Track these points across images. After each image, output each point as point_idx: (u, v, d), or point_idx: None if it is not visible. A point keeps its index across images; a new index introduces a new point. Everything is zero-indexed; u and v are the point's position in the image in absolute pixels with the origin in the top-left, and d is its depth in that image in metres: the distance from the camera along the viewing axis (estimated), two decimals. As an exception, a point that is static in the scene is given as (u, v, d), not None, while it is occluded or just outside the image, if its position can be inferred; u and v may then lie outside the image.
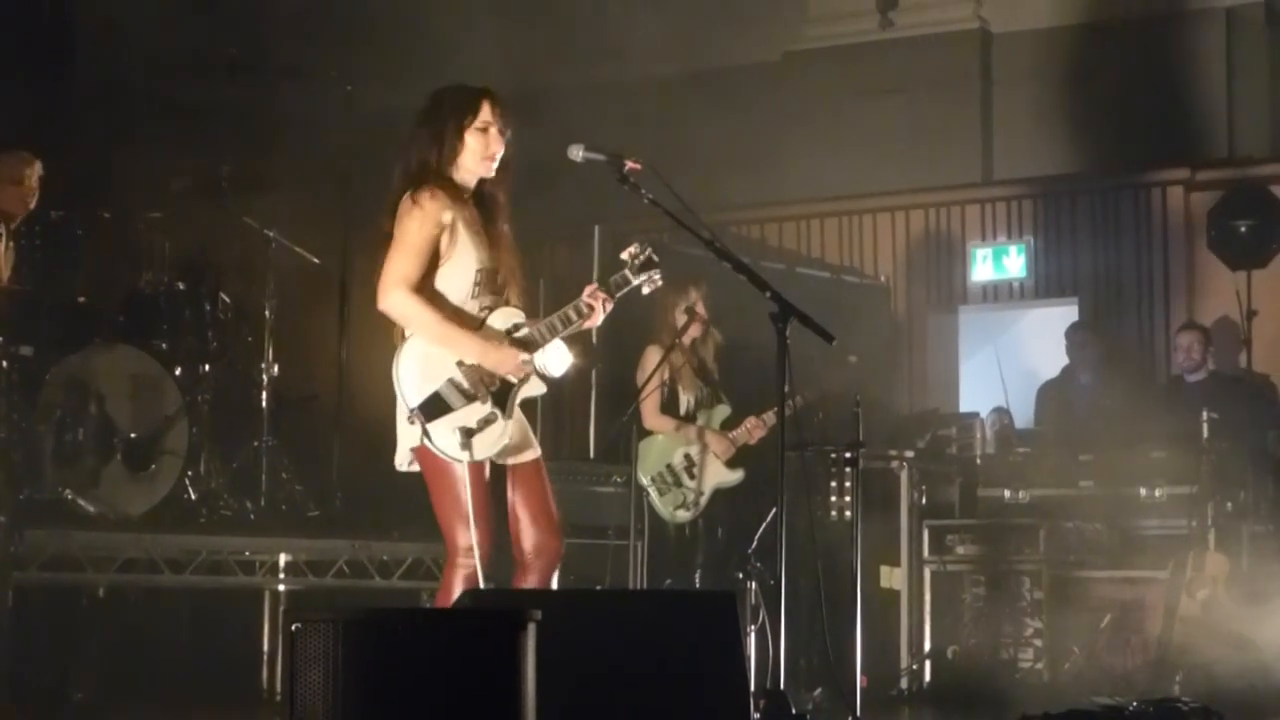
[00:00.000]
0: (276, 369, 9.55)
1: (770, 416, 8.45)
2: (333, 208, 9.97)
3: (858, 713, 6.77)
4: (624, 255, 5.88)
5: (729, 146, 12.65)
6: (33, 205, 8.70)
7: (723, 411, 8.75)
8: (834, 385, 8.55)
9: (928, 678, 9.41)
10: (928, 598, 9.56)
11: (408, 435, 5.63)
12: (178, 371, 9.01)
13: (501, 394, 5.64)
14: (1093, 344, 11.23)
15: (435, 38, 10.92)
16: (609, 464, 8.92)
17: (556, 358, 5.83)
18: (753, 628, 7.60)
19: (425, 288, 5.61)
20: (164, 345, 9.02)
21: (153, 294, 9.12)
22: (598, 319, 5.84)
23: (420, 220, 5.59)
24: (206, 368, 9.22)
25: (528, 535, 5.72)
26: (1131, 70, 12.68)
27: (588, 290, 5.82)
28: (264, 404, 9.51)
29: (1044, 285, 12.68)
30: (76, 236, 8.87)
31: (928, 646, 9.48)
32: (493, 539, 5.62)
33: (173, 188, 9.70)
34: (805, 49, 13.65)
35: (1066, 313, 12.17)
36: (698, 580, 8.53)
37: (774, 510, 6.21)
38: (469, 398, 5.59)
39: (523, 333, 5.72)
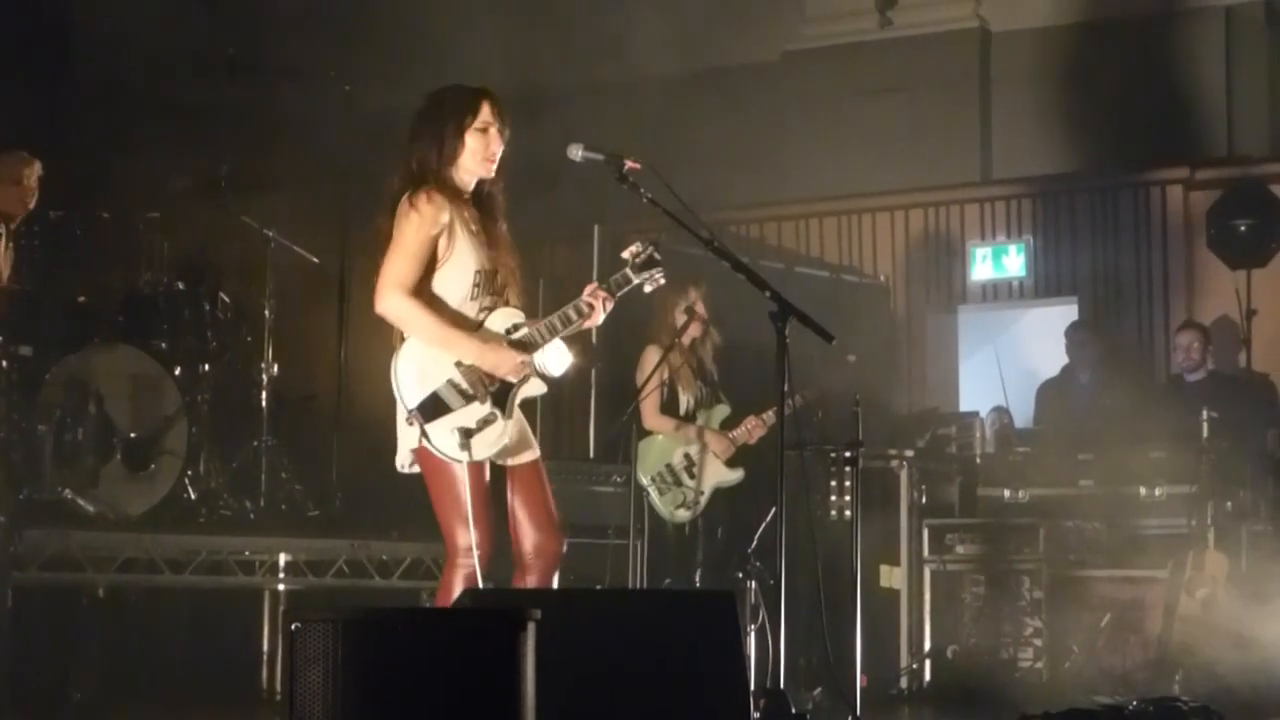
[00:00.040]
0: (276, 369, 9.56)
1: (770, 416, 8.45)
2: (332, 207, 9.98)
3: (857, 712, 6.77)
4: (625, 254, 5.88)
5: (728, 146, 12.65)
6: (32, 205, 8.70)
7: (722, 411, 8.75)
8: (833, 385, 8.55)
9: (927, 677, 9.41)
10: (927, 597, 9.56)
11: (408, 436, 5.63)
12: (177, 371, 9.02)
13: (501, 394, 5.65)
14: (1092, 343, 11.24)
15: (435, 38, 10.93)
16: (609, 463, 8.92)
17: (556, 357, 5.83)
18: (752, 627, 7.61)
19: (422, 290, 5.61)
20: (163, 345, 9.03)
21: (152, 294, 9.12)
22: (598, 318, 5.84)
23: (417, 223, 5.59)
24: (206, 367, 9.23)
25: (528, 536, 5.73)
26: (1131, 69, 12.68)
27: (588, 290, 5.82)
28: (263, 404, 9.51)
29: (1043, 284, 12.68)
30: (76, 236, 8.88)
31: (927, 646, 9.48)
32: (493, 539, 5.62)
33: (172, 188, 9.72)
34: (804, 48, 13.64)
35: (1066, 312, 12.17)
36: (697, 580, 8.53)
37: (773, 510, 6.22)
38: (468, 398, 5.59)
39: (522, 333, 5.72)
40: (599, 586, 7.89)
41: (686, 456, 8.59)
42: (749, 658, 7.22)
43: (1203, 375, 10.47)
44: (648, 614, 5.53)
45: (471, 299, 5.68)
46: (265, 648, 8.74)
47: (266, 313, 9.56)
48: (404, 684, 4.22)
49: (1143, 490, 9.50)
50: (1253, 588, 8.84)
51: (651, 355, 8.54)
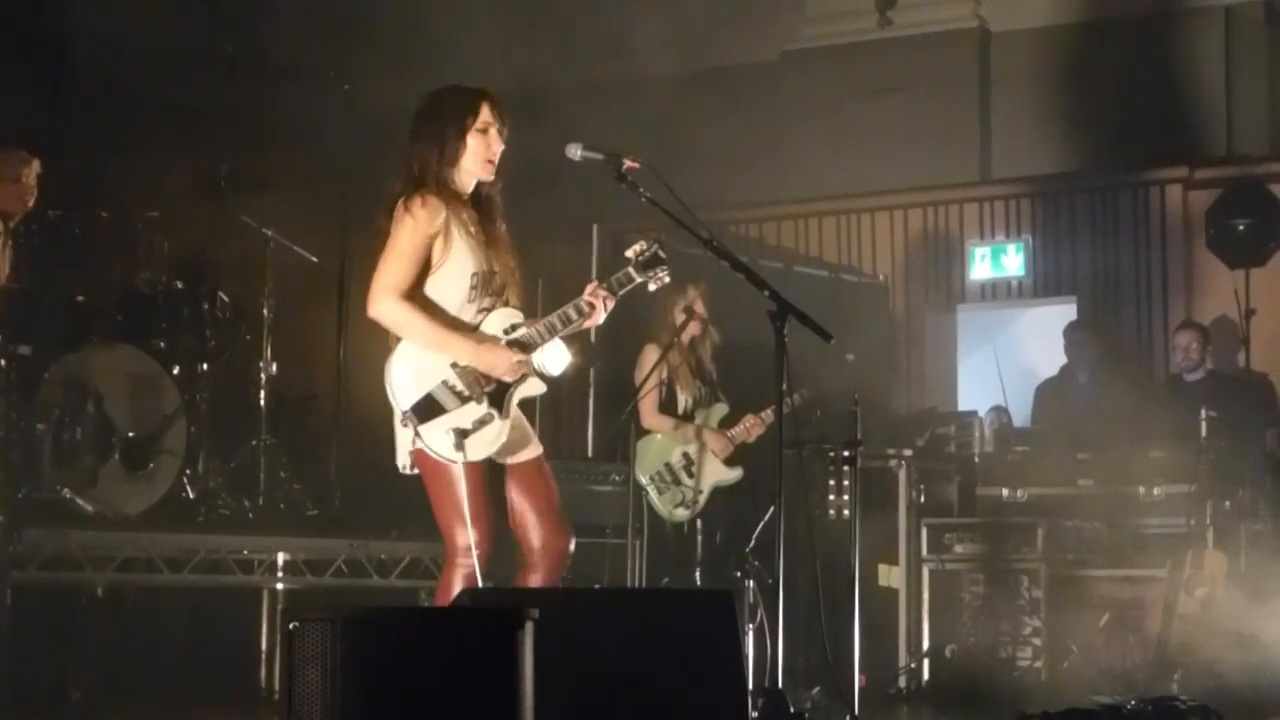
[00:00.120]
0: (275, 368, 9.55)
1: (768, 415, 8.45)
2: (331, 207, 9.97)
3: (856, 711, 6.77)
4: (628, 253, 5.87)
5: (727, 146, 12.66)
6: (31, 204, 8.69)
7: (721, 410, 8.75)
8: (832, 384, 8.55)
9: (926, 676, 9.41)
10: (926, 596, 9.57)
11: (405, 438, 5.64)
12: (176, 371, 9.01)
13: (498, 394, 5.65)
14: (1091, 343, 11.24)
15: (434, 37, 10.92)
16: (607, 463, 8.92)
17: (555, 357, 5.83)
18: (751, 626, 7.60)
19: (416, 294, 5.61)
20: (162, 344, 9.02)
21: (151, 293, 9.12)
22: (599, 318, 5.83)
23: (411, 227, 5.59)
24: (205, 367, 9.22)
25: (534, 533, 5.72)
26: (1130, 69, 12.68)
27: (589, 289, 5.81)
28: (262, 403, 9.51)
29: (1042, 284, 12.68)
30: (75, 235, 8.87)
31: (926, 645, 9.48)
32: (492, 539, 5.62)
33: (171, 187, 9.71)
34: (804, 48, 13.65)
35: (1065, 311, 12.18)
36: (696, 579, 8.53)
37: (772, 509, 6.22)
38: (463, 399, 5.59)
39: (519, 333, 5.72)
40: (597, 586, 7.89)
41: (685, 456, 8.59)
42: (747, 657, 7.22)
43: (1201, 375, 10.48)
44: (646, 613, 5.53)
45: (469, 301, 5.68)
46: (264, 647, 8.74)
47: (265, 312, 9.56)
48: (402, 683, 4.23)
49: (1142, 490, 9.50)
50: (1252, 587, 8.85)
51: (650, 354, 8.53)
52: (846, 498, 8.61)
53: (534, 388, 5.77)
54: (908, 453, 9.68)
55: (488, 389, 5.63)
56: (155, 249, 9.25)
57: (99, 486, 8.52)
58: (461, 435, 5.52)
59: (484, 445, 5.59)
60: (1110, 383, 10.91)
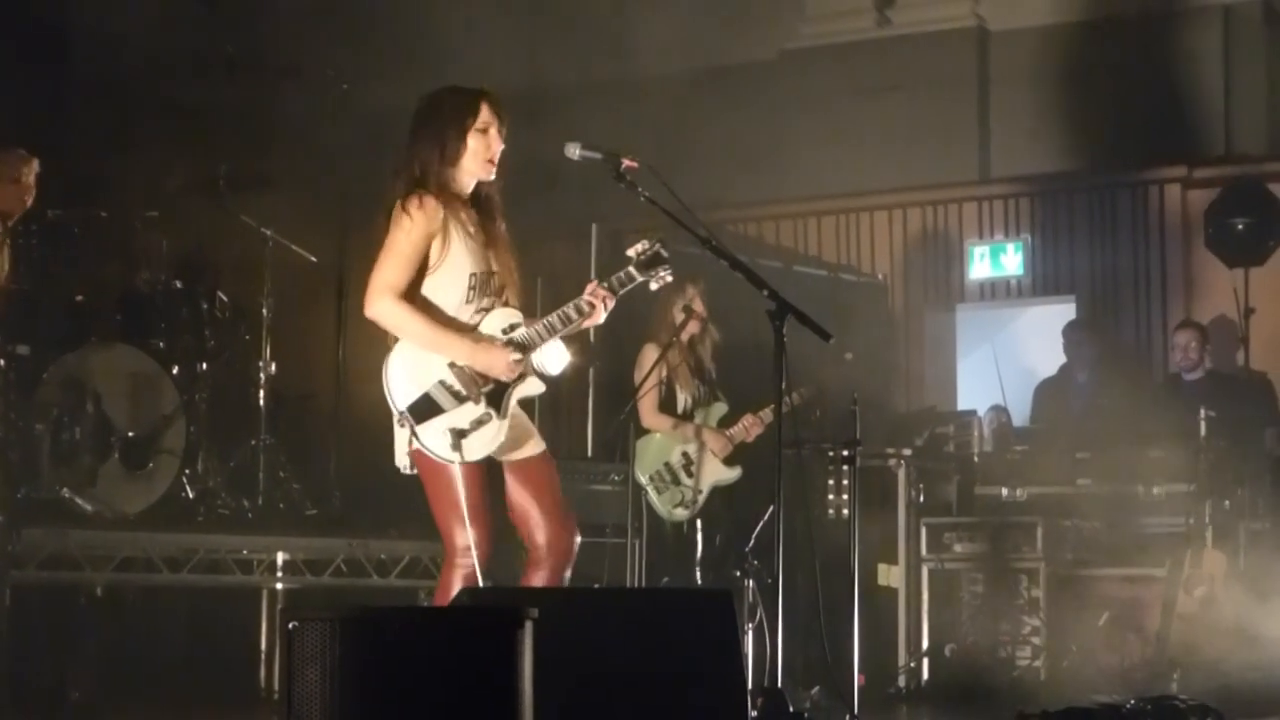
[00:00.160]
0: (274, 367, 9.55)
1: (767, 414, 8.44)
2: (330, 206, 9.97)
3: (855, 711, 6.78)
4: (630, 252, 5.87)
5: (726, 145, 12.65)
6: (30, 203, 8.69)
7: (720, 409, 8.75)
8: (831, 383, 8.55)
9: (925, 676, 9.41)
10: (925, 596, 9.57)
11: (404, 438, 5.64)
12: (175, 370, 9.01)
13: (496, 394, 5.64)
14: (1090, 342, 11.25)
15: (433, 37, 10.93)
16: (606, 462, 8.92)
17: (554, 356, 5.83)
18: (750, 626, 7.60)
19: (413, 294, 5.62)
20: (161, 344, 9.01)
21: (150, 293, 9.11)
22: (599, 317, 5.82)
23: (408, 228, 5.59)
24: (204, 366, 9.22)
25: (540, 530, 5.72)
26: (1129, 68, 12.68)
27: (589, 288, 5.81)
28: (261, 403, 9.51)
29: (1041, 283, 12.69)
30: (74, 235, 8.86)
31: (925, 644, 9.48)
32: (491, 538, 5.62)
33: (170, 187, 9.71)
34: (803, 47, 13.64)
35: (1064, 311, 12.18)
36: (696, 579, 8.53)
37: (771, 508, 6.21)
38: (460, 399, 5.59)
39: (518, 333, 5.72)
40: (597, 585, 7.89)
41: (685, 455, 8.59)
42: (747, 656, 7.22)
43: (1201, 374, 10.48)
44: (646, 613, 5.53)
45: (467, 301, 5.68)
46: (263, 646, 8.75)
47: (264, 311, 9.56)
48: (402, 683, 4.22)
49: (1141, 489, 9.50)
50: (1251, 585, 8.85)
51: (650, 353, 8.53)
52: (846, 497, 8.62)
53: (533, 387, 5.77)
54: (907, 452, 9.68)
55: (485, 389, 5.63)
56: (154, 249, 9.25)
57: (98, 486, 8.51)
58: (458, 435, 5.53)
59: (481, 445, 5.59)
60: (1109, 382, 10.92)
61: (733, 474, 8.66)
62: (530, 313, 5.82)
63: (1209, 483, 9.11)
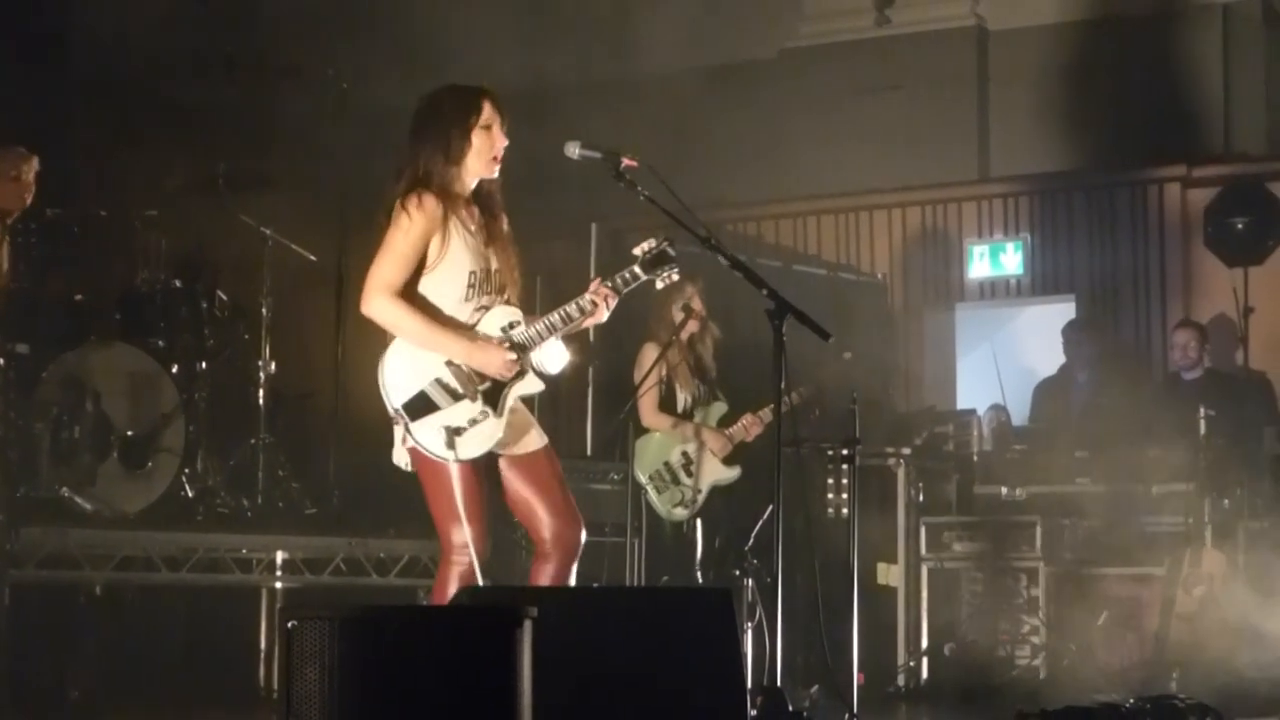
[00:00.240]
0: (273, 366, 9.55)
1: (767, 413, 8.44)
2: (329, 205, 9.96)
3: (854, 710, 6.77)
4: (636, 250, 5.86)
5: (726, 144, 12.66)
6: (30, 201, 8.69)
7: (719, 409, 8.74)
8: (830, 382, 8.55)
9: (925, 675, 9.42)
10: (925, 595, 9.58)
11: (402, 435, 5.64)
12: (174, 369, 9.00)
13: (493, 392, 5.64)
14: (1089, 341, 11.24)
15: (433, 37, 10.92)
16: (606, 461, 8.93)
17: (553, 355, 5.83)
18: (750, 625, 7.61)
19: (410, 292, 5.62)
20: (161, 343, 9.01)
21: (149, 292, 9.11)
22: (601, 316, 5.81)
23: (406, 226, 5.59)
24: (203, 365, 9.22)
25: (545, 524, 5.71)
26: (1128, 67, 12.68)
27: (592, 286, 5.80)
28: (261, 401, 9.51)
29: (1041, 282, 12.69)
30: (73, 234, 8.87)
31: (925, 643, 9.49)
32: (487, 536, 5.63)
33: (170, 186, 9.70)
34: (802, 46, 13.65)
35: (1063, 310, 12.18)
36: (695, 578, 8.53)
37: (771, 508, 6.21)
38: (456, 397, 5.59)
39: (516, 332, 5.71)
40: (596, 584, 7.89)
41: (684, 455, 8.58)
42: (746, 655, 7.21)
43: (1200, 373, 10.48)
44: (645, 612, 5.52)
45: (466, 299, 5.68)
46: (262, 645, 8.75)
47: (264, 310, 9.56)
48: (401, 682, 4.23)
49: (1140, 488, 9.51)
50: (1250, 585, 8.85)
51: (649, 353, 8.52)
52: (845, 496, 8.62)
53: (531, 386, 5.76)
54: (906, 451, 9.68)
55: (482, 387, 5.63)
56: (154, 248, 9.25)
57: (97, 485, 8.51)
58: (454, 433, 5.53)
59: (477, 444, 5.59)
60: (1109, 381, 10.91)
61: (732, 473, 8.66)
62: (529, 312, 5.82)
63: (1208, 482, 9.11)
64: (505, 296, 5.78)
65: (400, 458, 5.69)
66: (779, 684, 6.19)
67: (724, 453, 8.63)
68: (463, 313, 5.68)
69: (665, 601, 5.98)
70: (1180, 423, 9.31)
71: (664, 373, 8.55)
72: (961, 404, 11.94)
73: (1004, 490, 9.79)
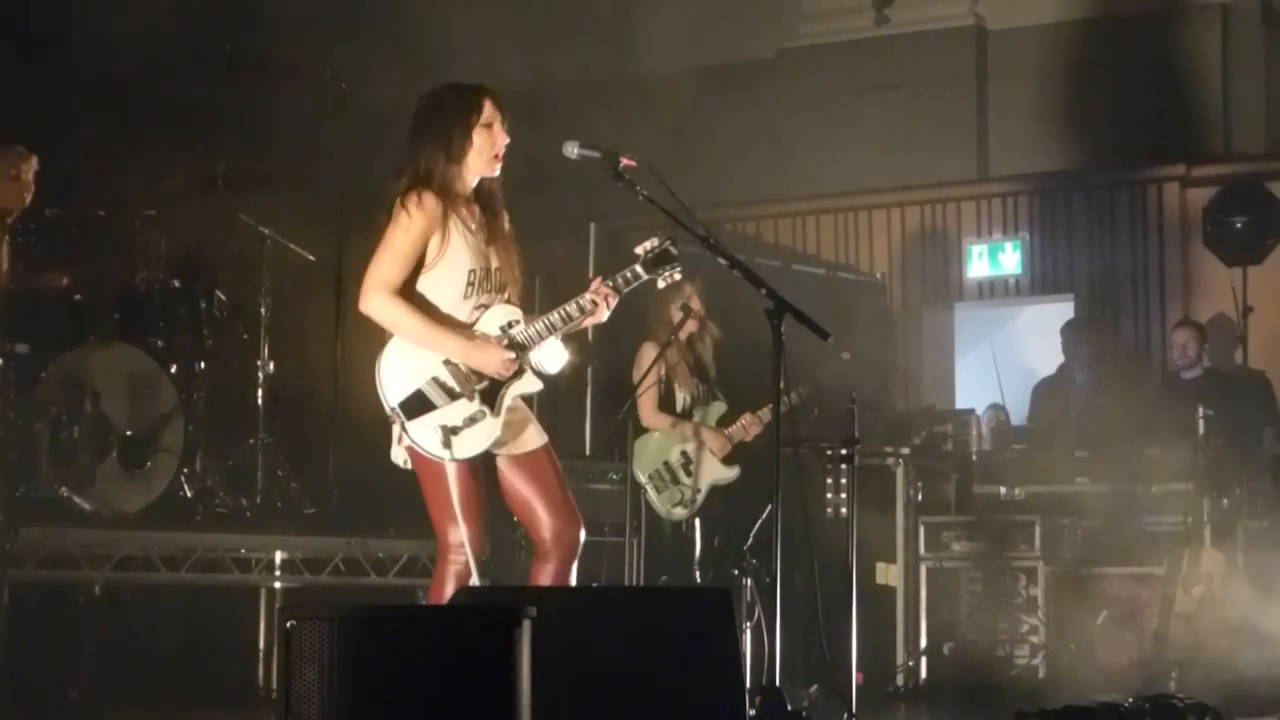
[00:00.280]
0: (272, 366, 9.55)
1: (766, 413, 8.44)
2: (328, 205, 9.97)
3: (853, 709, 6.77)
4: (638, 249, 5.85)
5: (725, 143, 12.66)
6: (29, 200, 8.69)
7: (719, 408, 8.74)
8: (828, 382, 8.55)
9: (924, 674, 9.42)
10: (924, 594, 9.58)
11: (398, 433, 5.64)
12: (173, 369, 9.00)
13: (491, 392, 5.64)
14: (1088, 341, 11.24)
15: (432, 36, 10.92)
16: (605, 461, 8.93)
17: (552, 355, 5.82)
18: (749, 624, 7.61)
19: (408, 291, 5.61)
20: (160, 343, 9.01)
21: (148, 291, 9.11)
22: (602, 315, 5.79)
23: (405, 225, 5.58)
24: (202, 365, 9.22)
25: (544, 524, 5.70)
26: (1127, 67, 12.68)
27: (594, 285, 5.78)
28: (260, 401, 9.51)
29: (1040, 282, 12.69)
30: (72, 234, 8.88)
31: (924, 643, 9.49)
32: (483, 535, 5.63)
33: (169, 186, 9.70)
34: (801, 46, 13.65)
35: (1062, 309, 12.18)
36: (694, 577, 8.53)
37: (770, 507, 6.21)
38: (453, 396, 5.58)
39: (515, 331, 5.71)
40: (595, 584, 7.89)
41: (684, 454, 8.58)
42: (745, 655, 7.22)
43: (1199, 373, 10.48)
44: (644, 611, 5.52)
45: (465, 298, 5.68)
46: (261, 645, 8.76)
47: (263, 310, 9.56)
48: (399, 681, 4.23)
49: (1139, 487, 9.51)
50: (1249, 584, 8.85)
51: (648, 352, 8.52)
52: (844, 496, 8.64)
53: (530, 385, 5.75)
54: (905, 451, 9.68)
55: (480, 386, 5.62)
56: (153, 247, 9.25)
57: (96, 485, 8.51)
58: (450, 432, 5.52)
59: (473, 443, 5.59)
60: (1108, 381, 10.91)
61: (731, 473, 8.66)
62: (528, 311, 5.81)
63: (1207, 481, 9.12)
64: (506, 295, 5.77)
65: (398, 455, 5.69)
66: (778, 683, 6.19)
67: (723, 452, 8.63)
68: (462, 311, 5.67)
69: (664, 601, 5.97)
70: (1179, 422, 9.31)
71: (663, 372, 8.55)
72: (960, 404, 11.94)
73: (1003, 490, 9.79)
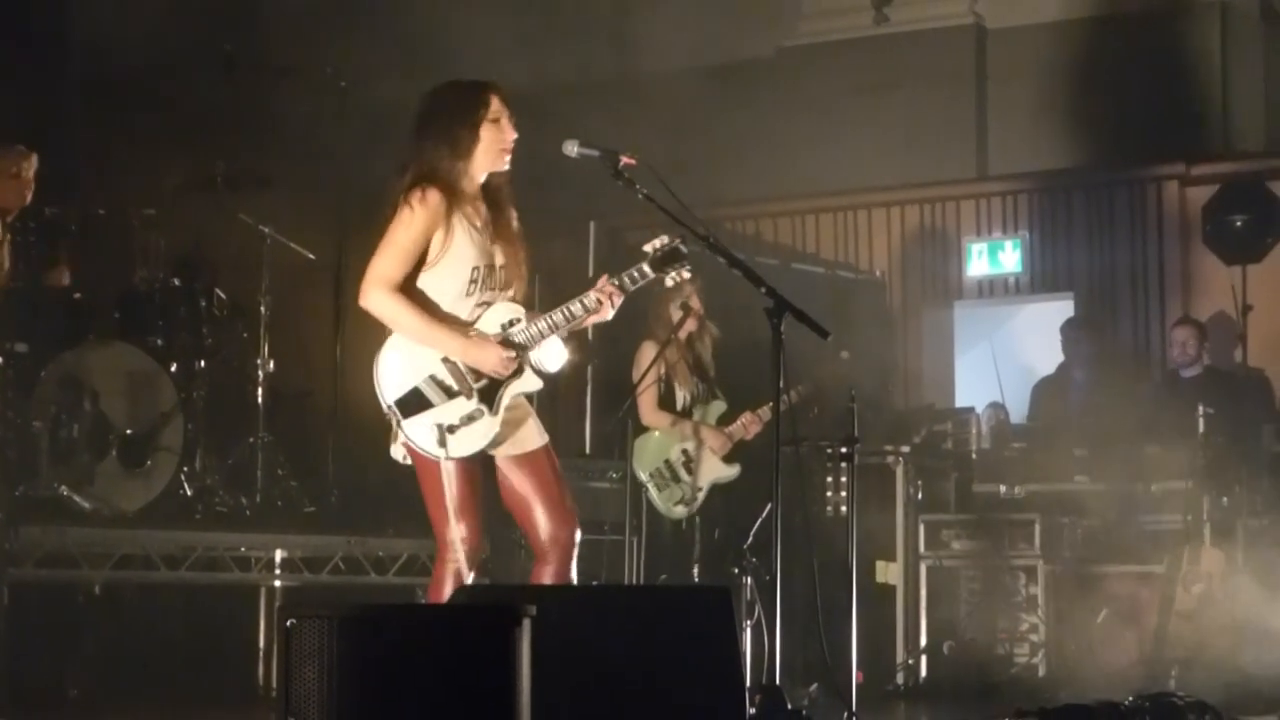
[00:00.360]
0: (272, 365, 9.55)
1: (766, 412, 8.44)
2: (328, 204, 9.97)
3: (853, 708, 6.77)
4: (646, 248, 5.83)
5: (724, 142, 12.66)
6: (29, 199, 8.69)
7: (718, 407, 8.74)
8: (828, 381, 8.55)
9: (923, 673, 9.42)
10: (923, 593, 9.57)
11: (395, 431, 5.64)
12: (173, 368, 9.01)
13: (489, 390, 5.63)
14: (1088, 339, 11.24)
15: (432, 35, 10.92)
16: (605, 459, 8.92)
17: (552, 353, 5.81)
18: (749, 623, 7.60)
19: (408, 287, 5.60)
20: (159, 342, 9.02)
21: (148, 290, 9.12)
22: (606, 314, 5.77)
23: (408, 221, 5.57)
24: (202, 364, 9.22)
25: (541, 526, 5.69)
26: (1127, 65, 12.68)
27: (600, 283, 5.76)
28: (259, 400, 9.51)
29: (1039, 280, 12.69)
30: (72, 233, 8.88)
31: (923, 641, 9.49)
32: (480, 534, 5.62)
33: (168, 184, 9.70)
34: (800, 44, 13.65)
35: (1062, 308, 12.18)
36: (694, 576, 8.53)
37: (770, 506, 6.21)
38: (451, 394, 5.57)
39: (516, 329, 5.70)
40: (595, 582, 7.89)
41: (684, 453, 8.58)
42: (745, 654, 7.21)
43: (1198, 371, 10.48)
44: (643, 610, 5.51)
45: (467, 295, 5.67)
46: (261, 644, 8.76)
47: (262, 309, 9.56)
48: (399, 680, 4.23)
49: (1139, 486, 9.51)
50: (1249, 583, 8.85)
51: (648, 351, 8.52)
52: (844, 494, 8.65)
53: (530, 384, 5.74)
54: (905, 449, 9.68)
55: (478, 384, 5.61)
56: (152, 246, 9.25)
57: (96, 484, 8.52)
58: (446, 431, 5.51)
59: (470, 442, 5.58)
60: (1107, 379, 10.91)
61: (732, 471, 8.65)
62: (530, 310, 5.80)
63: (1207, 479, 9.11)
64: (510, 293, 5.75)
65: (398, 452, 5.68)
66: (778, 682, 6.18)
67: (724, 451, 8.63)
68: (463, 308, 5.66)
69: (664, 600, 5.97)
70: (1179, 421, 9.31)
71: (662, 371, 8.55)
72: (960, 402, 11.93)
73: (1003, 488, 9.79)
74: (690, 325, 8.54)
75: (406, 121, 5.80)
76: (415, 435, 5.53)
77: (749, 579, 7.72)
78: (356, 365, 6.92)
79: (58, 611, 8.28)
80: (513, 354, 5.64)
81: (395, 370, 5.58)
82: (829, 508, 9.26)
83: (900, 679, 9.36)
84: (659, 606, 5.60)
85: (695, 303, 8.49)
